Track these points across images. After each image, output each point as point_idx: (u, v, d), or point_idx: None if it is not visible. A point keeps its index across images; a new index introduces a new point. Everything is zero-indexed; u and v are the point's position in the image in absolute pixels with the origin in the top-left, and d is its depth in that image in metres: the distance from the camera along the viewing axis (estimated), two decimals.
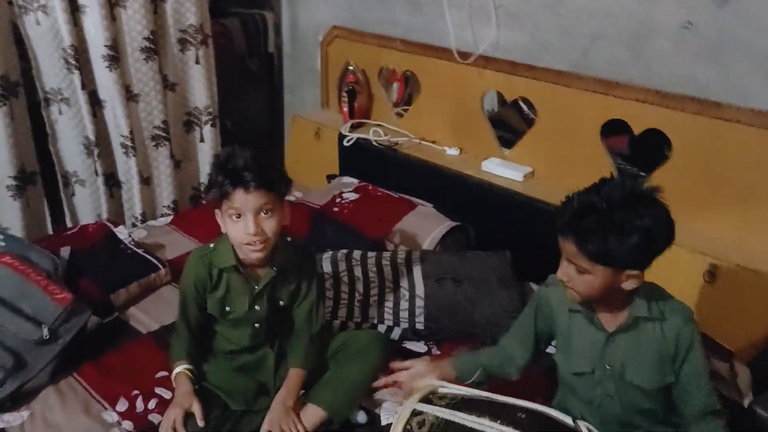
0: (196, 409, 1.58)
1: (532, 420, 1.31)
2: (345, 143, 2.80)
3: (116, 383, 1.80)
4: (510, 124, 2.78)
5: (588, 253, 1.30)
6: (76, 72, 2.45)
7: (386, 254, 2.21)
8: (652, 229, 1.27)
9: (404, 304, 2.04)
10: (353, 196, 2.60)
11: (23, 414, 1.70)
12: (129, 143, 2.61)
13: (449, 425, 1.34)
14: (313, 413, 1.64)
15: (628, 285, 1.34)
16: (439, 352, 1.97)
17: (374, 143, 2.73)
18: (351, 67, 2.87)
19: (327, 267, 2.13)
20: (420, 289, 2.05)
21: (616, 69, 2.13)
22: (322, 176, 2.94)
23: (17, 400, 1.73)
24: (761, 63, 1.85)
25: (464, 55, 2.46)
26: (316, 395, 1.68)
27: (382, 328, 2.00)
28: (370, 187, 2.65)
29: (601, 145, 2.22)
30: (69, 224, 2.73)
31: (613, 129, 2.22)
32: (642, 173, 2.20)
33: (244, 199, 1.51)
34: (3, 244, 2.05)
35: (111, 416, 1.71)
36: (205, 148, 2.93)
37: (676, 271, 1.91)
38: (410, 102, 2.89)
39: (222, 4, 3.11)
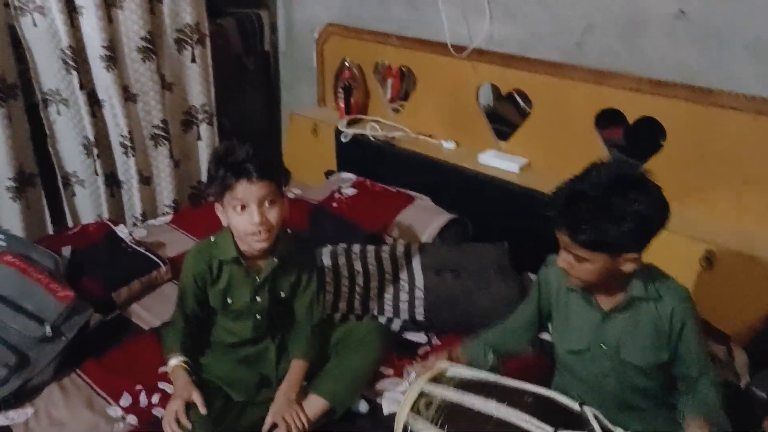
0: (197, 398, 1.60)
1: (539, 404, 1.33)
2: (342, 139, 2.82)
3: (119, 379, 1.82)
4: (506, 118, 2.80)
5: (582, 242, 1.31)
6: (74, 73, 2.46)
7: (385, 248, 2.23)
8: (644, 212, 1.28)
9: (404, 296, 2.05)
10: (351, 191, 2.61)
11: (27, 411, 1.71)
12: (128, 143, 2.63)
13: (456, 407, 1.36)
14: (316, 403, 1.66)
15: (627, 267, 1.36)
16: (439, 342, 1.98)
17: (371, 139, 2.75)
18: (347, 64, 2.89)
19: (327, 261, 2.15)
20: (419, 281, 2.07)
21: (609, 59, 2.14)
22: (319, 173, 2.95)
23: (21, 397, 1.74)
24: (752, 49, 1.86)
25: (459, 49, 2.48)
26: (318, 386, 1.70)
27: (382, 320, 2.02)
28: (368, 182, 2.66)
29: (596, 134, 2.23)
30: (70, 225, 2.75)
31: (608, 119, 2.24)
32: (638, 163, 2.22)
33: (248, 190, 1.54)
34: (4, 243, 2.07)
35: (115, 411, 1.72)
36: (203, 147, 2.95)
37: (672, 258, 1.92)
38: (406, 97, 2.91)
39: (218, 3, 3.12)
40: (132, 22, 2.51)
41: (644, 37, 2.06)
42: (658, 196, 1.32)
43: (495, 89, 2.82)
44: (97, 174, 2.67)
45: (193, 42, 2.72)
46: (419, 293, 2.05)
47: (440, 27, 2.51)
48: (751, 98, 1.87)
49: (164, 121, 2.72)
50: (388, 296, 2.06)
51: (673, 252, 1.93)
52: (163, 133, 2.74)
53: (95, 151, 2.61)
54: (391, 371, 1.84)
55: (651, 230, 1.33)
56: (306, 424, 1.61)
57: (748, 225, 1.97)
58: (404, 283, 2.08)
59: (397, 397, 1.74)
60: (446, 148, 2.64)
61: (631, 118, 2.15)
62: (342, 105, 2.90)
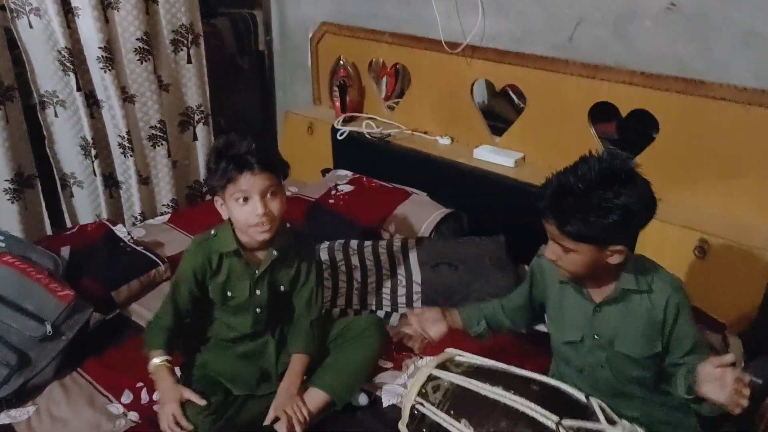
0: (190, 394, 1.59)
1: (545, 393, 1.34)
2: (338, 137, 2.83)
3: (120, 376, 1.83)
4: (500, 115, 2.82)
5: (569, 234, 1.33)
6: (71, 74, 2.48)
7: (382, 243, 2.25)
8: (630, 205, 1.28)
9: (401, 290, 2.07)
10: (348, 187, 2.63)
11: (29, 409, 1.73)
12: (127, 143, 2.64)
13: (463, 391, 1.37)
14: (316, 397, 1.67)
15: (614, 260, 1.37)
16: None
17: (367, 136, 2.76)
18: (341, 62, 2.90)
19: (324, 257, 2.16)
20: (416, 275, 2.09)
21: (601, 52, 2.16)
22: (316, 171, 2.97)
23: (22, 396, 1.76)
24: (742, 39, 1.88)
25: (452, 46, 2.49)
26: (319, 379, 1.71)
27: (380, 314, 2.04)
28: (365, 179, 2.68)
29: (590, 128, 2.25)
30: (68, 226, 2.75)
31: (601, 112, 2.26)
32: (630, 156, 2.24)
33: (251, 182, 1.56)
34: (3, 244, 2.07)
35: (116, 408, 1.74)
36: (200, 147, 2.96)
37: (666, 247, 1.95)
38: (401, 94, 2.92)
39: (211, 4, 3.13)
40: (128, 23, 2.53)
41: (636, 30, 2.08)
42: (645, 190, 1.33)
43: (489, 86, 2.84)
44: (95, 175, 2.68)
45: (189, 42, 2.73)
46: (416, 287, 2.06)
47: (433, 23, 2.53)
48: (743, 89, 1.89)
49: (162, 122, 2.74)
50: (386, 291, 2.08)
51: (667, 242, 1.96)
52: (160, 134, 2.75)
53: (93, 151, 2.62)
54: (390, 364, 1.86)
55: (637, 224, 1.34)
56: (307, 418, 1.62)
57: (740, 214, 1.99)
58: (401, 278, 2.09)
59: (396, 389, 1.76)
60: (442, 144, 2.66)
61: (624, 111, 2.16)
62: (337, 103, 2.92)
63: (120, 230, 2.41)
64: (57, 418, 1.71)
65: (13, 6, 2.37)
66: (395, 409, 1.67)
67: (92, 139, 2.60)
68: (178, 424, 1.56)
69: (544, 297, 1.59)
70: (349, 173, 2.76)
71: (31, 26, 2.41)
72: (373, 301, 2.07)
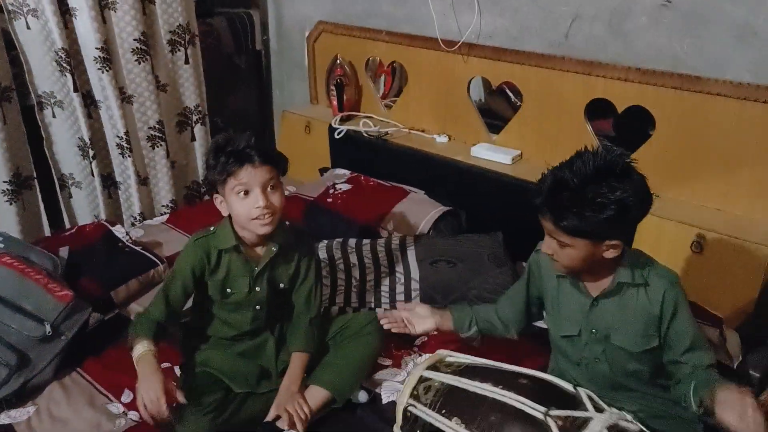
0: (174, 389, 1.55)
1: (534, 386, 1.35)
2: (335, 136, 2.84)
3: (120, 376, 1.83)
4: (497, 112, 2.82)
5: (565, 228, 1.34)
6: (69, 75, 2.48)
7: (381, 241, 2.25)
8: (625, 200, 1.29)
9: (400, 288, 2.08)
10: (346, 186, 2.63)
11: (29, 410, 1.73)
12: (125, 144, 2.64)
13: (453, 390, 1.39)
14: (317, 394, 1.68)
15: (610, 254, 1.38)
16: (435, 332, 1.99)
17: (364, 135, 2.77)
18: (338, 61, 2.91)
19: (323, 255, 2.17)
20: (415, 272, 2.09)
21: (597, 49, 2.17)
22: (314, 170, 2.97)
23: (22, 396, 1.76)
24: (737, 34, 1.89)
25: (449, 44, 2.50)
26: (319, 377, 1.72)
27: (379, 312, 2.04)
28: (363, 178, 2.68)
29: (586, 124, 2.26)
30: (67, 226, 2.76)
31: (597, 109, 2.27)
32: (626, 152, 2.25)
33: (252, 174, 1.57)
34: (2, 245, 2.08)
35: (116, 408, 1.74)
36: (197, 147, 2.96)
37: (664, 243, 1.96)
38: (398, 93, 2.93)
39: (208, 3, 3.14)
40: (125, 23, 2.52)
41: (631, 27, 2.09)
42: (640, 185, 1.34)
43: (486, 84, 2.85)
44: (93, 175, 2.68)
45: (186, 43, 2.74)
46: (415, 284, 2.07)
47: (430, 22, 2.54)
48: (738, 85, 1.90)
49: (160, 122, 2.74)
50: (385, 288, 2.09)
51: (664, 237, 1.97)
52: (159, 134, 2.75)
53: (91, 152, 2.62)
54: (389, 361, 1.87)
55: (632, 218, 1.35)
56: (308, 415, 1.63)
57: (737, 209, 2.01)
58: (400, 275, 2.10)
59: (396, 386, 1.76)
60: (439, 142, 2.66)
61: (620, 108, 2.17)
62: (334, 102, 2.92)
63: (118, 230, 2.42)
64: (57, 418, 1.71)
65: (10, 7, 2.37)
66: (395, 406, 1.68)
67: (90, 139, 2.60)
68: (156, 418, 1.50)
69: (541, 292, 1.60)
70: (346, 172, 2.76)
71: (28, 27, 2.41)
72: (371, 298, 2.07)
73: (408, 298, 2.05)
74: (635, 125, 2.26)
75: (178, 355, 1.87)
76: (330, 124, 2.88)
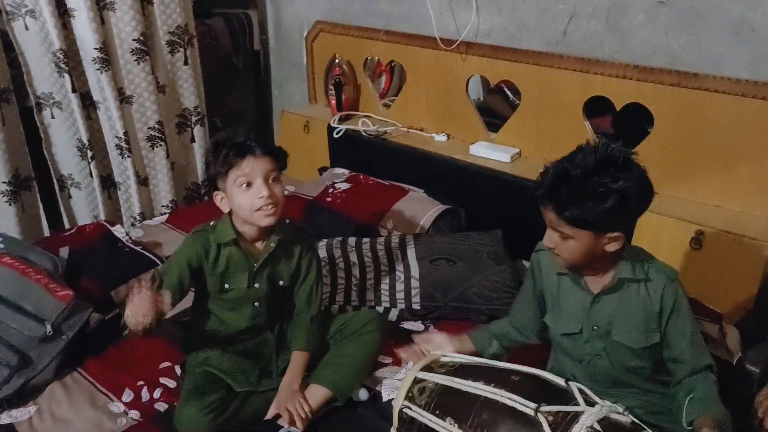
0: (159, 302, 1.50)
1: (525, 382, 1.36)
2: (334, 135, 2.84)
3: (121, 375, 1.84)
4: (496, 110, 2.83)
5: (567, 219, 1.35)
6: (67, 75, 2.48)
7: (380, 239, 2.26)
8: (626, 191, 1.31)
9: (400, 286, 2.08)
10: (345, 185, 2.63)
11: (30, 409, 1.74)
12: (124, 144, 2.64)
13: (446, 390, 1.40)
14: (318, 393, 1.68)
15: (611, 247, 1.39)
16: (435, 330, 2.00)
17: (363, 134, 2.77)
18: (337, 61, 2.91)
19: (323, 254, 2.17)
20: (415, 271, 2.10)
21: (594, 46, 2.17)
22: (313, 169, 2.97)
23: (23, 396, 1.76)
24: (734, 30, 1.89)
25: (447, 42, 2.50)
26: (320, 375, 1.72)
27: (379, 310, 2.04)
28: (362, 177, 2.68)
29: (585, 122, 2.26)
30: (66, 227, 2.76)
31: (596, 107, 2.27)
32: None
33: (254, 165, 1.58)
34: (2, 246, 2.08)
35: (117, 407, 1.75)
36: (197, 149, 2.96)
37: (663, 240, 1.97)
38: (397, 92, 2.93)
39: (206, 4, 3.14)
40: (124, 24, 2.52)
41: (629, 24, 2.09)
42: (641, 176, 1.35)
43: (485, 83, 2.85)
44: (92, 176, 2.68)
45: (185, 44, 2.74)
46: (415, 283, 2.07)
47: (427, 20, 2.54)
48: (736, 81, 1.90)
49: (160, 122, 2.74)
50: (385, 287, 2.09)
51: (663, 234, 1.98)
52: (158, 134, 2.75)
53: (89, 153, 2.62)
54: (389, 360, 1.87)
55: (634, 209, 1.36)
56: (309, 413, 1.63)
57: (735, 204, 2.01)
58: (400, 274, 2.10)
59: (396, 384, 1.76)
60: (438, 140, 2.67)
61: (618, 105, 2.17)
62: (333, 102, 2.93)
63: (118, 231, 2.42)
64: (58, 417, 1.72)
65: (8, 8, 2.38)
66: None
67: (88, 140, 2.60)
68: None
69: (543, 291, 1.60)
70: (346, 171, 2.77)
71: (26, 28, 2.41)
72: (371, 297, 2.07)
73: (408, 297, 2.05)
74: (633, 122, 2.27)
75: (179, 354, 1.87)
76: (329, 124, 2.88)
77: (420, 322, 2.05)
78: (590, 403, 1.30)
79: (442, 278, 2.05)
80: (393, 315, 2.05)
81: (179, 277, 1.67)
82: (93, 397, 1.78)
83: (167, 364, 1.88)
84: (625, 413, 1.30)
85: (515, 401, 1.29)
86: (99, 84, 2.55)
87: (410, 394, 1.44)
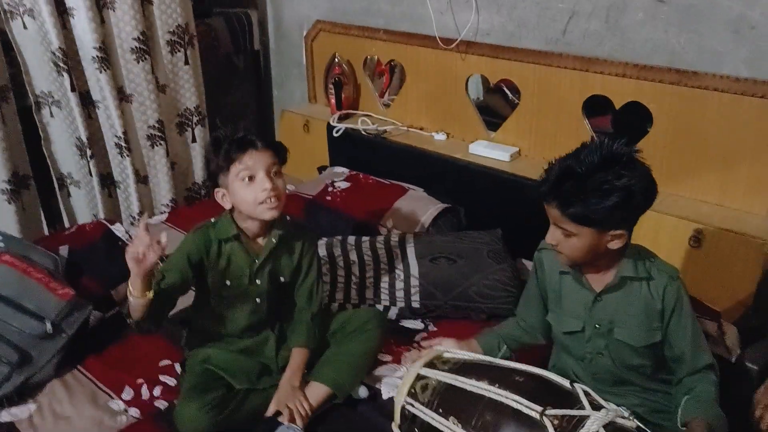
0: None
1: (530, 383, 1.35)
2: (334, 134, 2.84)
3: (121, 373, 1.84)
4: (495, 110, 2.83)
5: (571, 215, 1.35)
6: (66, 74, 2.48)
7: (380, 238, 2.26)
8: (630, 187, 1.31)
9: (399, 284, 2.08)
10: (345, 184, 2.64)
11: (30, 407, 1.73)
12: (123, 143, 2.64)
13: (449, 388, 1.39)
14: (318, 390, 1.68)
15: (614, 245, 1.39)
16: (435, 329, 2.01)
17: (363, 133, 2.77)
18: (337, 60, 2.92)
19: (322, 252, 2.17)
20: (414, 269, 2.10)
21: (594, 45, 2.18)
22: (312, 168, 2.98)
23: (23, 393, 1.76)
24: (733, 28, 1.90)
25: (447, 41, 2.51)
26: (320, 373, 1.72)
27: (379, 309, 2.04)
28: (361, 176, 2.69)
29: (584, 121, 2.27)
30: (66, 226, 2.76)
31: (595, 106, 2.27)
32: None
33: (256, 158, 1.60)
34: (2, 244, 2.08)
35: (118, 405, 1.75)
36: (198, 149, 2.96)
37: (662, 238, 1.97)
38: (397, 91, 2.93)
39: (206, 3, 3.14)
40: (124, 23, 2.52)
41: (628, 22, 2.09)
42: (645, 174, 1.36)
43: (485, 82, 2.85)
44: (91, 175, 2.68)
45: (185, 44, 2.74)
46: (414, 281, 2.07)
47: (427, 20, 2.54)
48: (735, 79, 1.91)
49: (159, 122, 2.74)
50: (384, 285, 2.09)
51: (662, 232, 1.98)
52: (159, 133, 2.75)
53: (89, 152, 2.63)
54: (389, 358, 1.87)
55: (638, 206, 1.36)
56: (309, 411, 1.63)
57: (734, 202, 2.01)
58: (400, 272, 2.10)
59: (396, 382, 1.76)
60: (437, 139, 2.67)
61: (617, 104, 2.18)
62: (333, 101, 2.93)
63: (118, 229, 2.42)
64: (59, 415, 1.71)
65: (6, 7, 2.38)
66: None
67: (87, 139, 2.60)
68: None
69: (545, 289, 1.61)
70: (345, 170, 2.77)
71: (25, 27, 2.42)
72: (371, 295, 2.08)
73: (408, 295, 2.05)
74: (633, 121, 2.27)
75: (179, 352, 1.87)
76: (328, 123, 2.89)
77: (420, 320, 2.06)
78: (596, 407, 1.29)
79: (442, 277, 2.06)
80: (393, 313, 2.05)
81: (181, 273, 1.67)
82: (93, 394, 1.78)
83: (167, 362, 1.88)
84: (630, 417, 1.30)
85: (520, 403, 1.28)
86: (98, 83, 2.55)
87: (413, 391, 1.43)
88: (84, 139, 2.60)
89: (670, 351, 1.46)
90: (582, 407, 1.29)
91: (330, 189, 2.61)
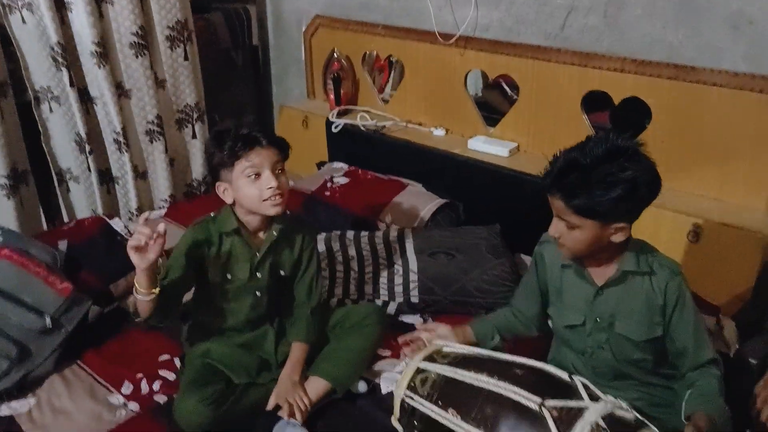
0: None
1: (529, 375, 1.36)
2: (333, 130, 2.84)
3: (120, 368, 1.84)
4: (494, 105, 2.83)
5: (575, 207, 1.35)
6: (65, 69, 2.47)
7: (378, 233, 2.26)
8: (634, 180, 1.31)
9: (398, 279, 2.08)
10: (344, 180, 2.64)
11: (29, 401, 1.74)
12: (122, 139, 2.64)
13: (449, 381, 1.39)
14: (317, 385, 1.69)
15: (617, 238, 1.39)
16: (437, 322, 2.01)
17: (362, 128, 2.77)
18: (335, 55, 2.91)
19: (321, 248, 2.17)
20: (413, 264, 2.10)
21: (593, 40, 2.18)
22: (311, 164, 2.98)
23: (23, 388, 1.77)
24: (731, 23, 1.90)
25: (446, 37, 2.50)
26: (319, 367, 1.73)
27: (378, 304, 2.05)
28: (360, 171, 2.69)
29: (583, 116, 2.27)
30: (65, 221, 2.76)
31: (594, 102, 2.27)
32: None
33: (262, 156, 1.60)
34: (1, 239, 2.07)
35: (117, 399, 1.75)
36: (198, 145, 2.96)
37: (661, 233, 1.97)
38: (395, 86, 2.93)
39: None
40: (123, 18, 2.51)
41: (626, 17, 2.09)
42: (649, 167, 1.36)
43: (484, 78, 2.86)
44: (90, 170, 2.68)
45: (185, 39, 2.73)
46: (413, 276, 2.07)
47: (426, 15, 2.54)
48: (734, 74, 1.91)
49: (158, 117, 2.73)
50: (383, 280, 2.09)
51: (661, 227, 1.98)
52: (157, 129, 2.75)
53: (87, 147, 2.62)
54: (388, 353, 1.87)
55: (641, 199, 1.36)
56: (308, 405, 1.64)
57: (732, 196, 2.02)
58: (398, 267, 2.11)
59: (395, 377, 1.77)
60: (436, 135, 2.67)
61: (616, 99, 2.18)
62: (332, 96, 2.93)
63: (117, 224, 2.42)
64: (58, 409, 1.72)
65: (5, 1, 2.37)
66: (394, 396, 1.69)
67: (86, 134, 2.60)
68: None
69: (546, 283, 1.61)
70: (344, 165, 2.77)
71: (24, 21, 2.40)
72: (370, 290, 2.08)
73: (406, 290, 2.05)
74: (632, 117, 2.27)
75: (178, 346, 1.87)
76: (327, 118, 2.89)
77: (419, 315, 2.06)
78: (594, 399, 1.29)
79: (440, 272, 2.06)
80: (391, 308, 2.05)
81: (183, 268, 1.68)
82: (92, 389, 1.78)
83: (167, 356, 1.89)
84: (629, 409, 1.30)
85: (520, 395, 1.28)
86: (96, 78, 2.54)
87: (412, 384, 1.43)
88: (83, 134, 2.60)
89: (673, 346, 1.46)
90: (581, 398, 1.29)
91: (329, 184, 2.62)
